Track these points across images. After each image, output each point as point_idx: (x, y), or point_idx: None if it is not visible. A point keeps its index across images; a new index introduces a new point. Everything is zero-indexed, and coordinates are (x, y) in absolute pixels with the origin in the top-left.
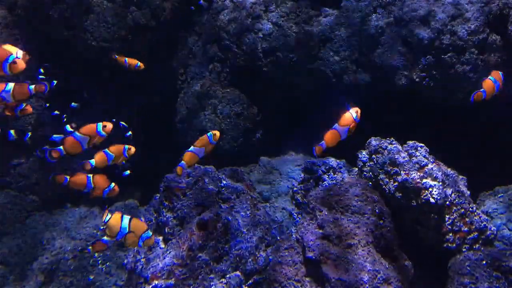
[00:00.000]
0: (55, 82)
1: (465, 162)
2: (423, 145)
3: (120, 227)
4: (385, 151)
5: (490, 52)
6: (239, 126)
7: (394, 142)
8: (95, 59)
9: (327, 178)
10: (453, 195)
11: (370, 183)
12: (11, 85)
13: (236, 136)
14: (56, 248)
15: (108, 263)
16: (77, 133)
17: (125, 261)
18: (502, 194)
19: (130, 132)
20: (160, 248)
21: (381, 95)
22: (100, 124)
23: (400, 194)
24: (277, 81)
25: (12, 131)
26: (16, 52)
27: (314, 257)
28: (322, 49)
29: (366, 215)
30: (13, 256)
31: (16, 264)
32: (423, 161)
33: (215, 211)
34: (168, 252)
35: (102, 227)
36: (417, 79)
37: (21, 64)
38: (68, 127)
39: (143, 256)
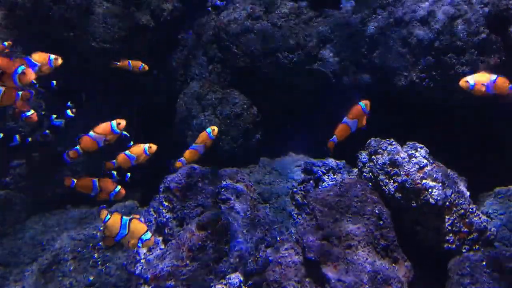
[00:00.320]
0: (54, 82)
1: (465, 162)
2: (423, 145)
3: (120, 228)
4: (385, 152)
5: (490, 53)
6: (239, 126)
7: (394, 142)
8: (95, 59)
9: (327, 179)
10: (453, 195)
11: (370, 184)
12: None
13: (236, 136)
14: (55, 249)
15: (108, 264)
16: (92, 132)
17: (125, 262)
18: (502, 195)
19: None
20: (160, 249)
21: (381, 96)
22: (114, 122)
23: (400, 195)
24: (277, 81)
25: (17, 136)
26: (48, 57)
27: (314, 258)
28: (322, 50)
29: (366, 216)
30: (12, 257)
31: (15, 265)
32: (423, 162)
33: (215, 211)
34: (168, 253)
35: (101, 228)
36: (417, 80)
37: (30, 75)
38: (69, 112)
39: (143, 257)
